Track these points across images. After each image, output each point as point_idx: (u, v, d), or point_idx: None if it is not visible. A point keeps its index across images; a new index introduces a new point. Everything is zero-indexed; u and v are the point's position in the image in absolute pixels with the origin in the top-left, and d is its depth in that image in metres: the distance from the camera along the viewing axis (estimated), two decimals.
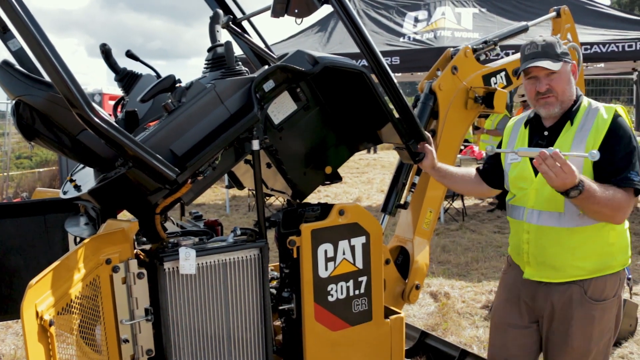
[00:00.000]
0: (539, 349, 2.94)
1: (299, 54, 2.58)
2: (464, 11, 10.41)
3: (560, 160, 2.36)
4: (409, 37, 9.80)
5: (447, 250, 7.65)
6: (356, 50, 2.78)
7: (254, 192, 2.61)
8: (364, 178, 15.40)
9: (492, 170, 3.10)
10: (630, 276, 2.88)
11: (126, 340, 2.28)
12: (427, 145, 2.97)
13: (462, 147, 13.34)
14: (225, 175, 3.27)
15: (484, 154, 11.19)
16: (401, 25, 10.25)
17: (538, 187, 2.73)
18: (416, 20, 10.36)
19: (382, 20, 10.46)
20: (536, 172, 2.69)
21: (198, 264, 2.39)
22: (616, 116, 2.64)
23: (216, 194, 13.12)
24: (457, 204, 9.80)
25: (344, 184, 14.22)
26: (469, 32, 9.60)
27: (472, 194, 3.26)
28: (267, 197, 10.80)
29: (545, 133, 2.80)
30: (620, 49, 8.78)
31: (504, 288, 3.07)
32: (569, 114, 2.74)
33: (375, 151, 22.99)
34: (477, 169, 3.20)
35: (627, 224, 2.79)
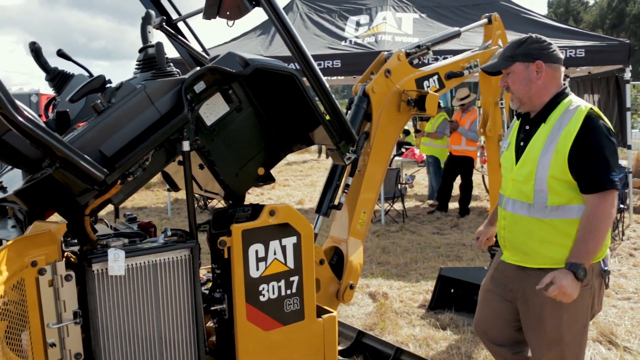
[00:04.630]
0: (515, 323, 3.08)
1: (229, 55, 2.60)
2: (404, 16, 10.59)
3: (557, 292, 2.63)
4: (351, 41, 9.91)
5: (387, 251, 7.75)
6: None
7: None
8: (307, 181, 15.44)
9: None
10: (606, 268, 2.84)
11: (53, 345, 2.24)
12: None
13: (404, 150, 13.57)
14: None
15: (425, 157, 11.39)
16: (343, 29, 10.35)
17: (514, 176, 2.90)
18: (358, 24, 10.47)
19: (325, 23, 10.54)
20: (516, 161, 2.88)
21: (128, 265, 2.37)
22: (586, 120, 2.71)
23: (158, 197, 12.94)
24: (398, 205, 9.94)
25: (287, 187, 14.25)
26: (409, 37, 9.77)
27: None
28: (209, 200, 10.72)
29: (527, 127, 2.93)
30: None
31: (492, 267, 3.27)
32: (541, 113, 2.85)
33: (322, 155, 23.03)
34: None
35: None
